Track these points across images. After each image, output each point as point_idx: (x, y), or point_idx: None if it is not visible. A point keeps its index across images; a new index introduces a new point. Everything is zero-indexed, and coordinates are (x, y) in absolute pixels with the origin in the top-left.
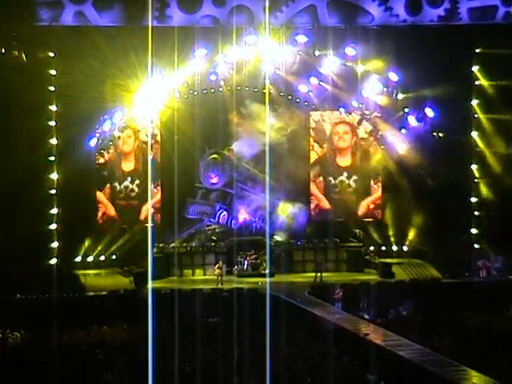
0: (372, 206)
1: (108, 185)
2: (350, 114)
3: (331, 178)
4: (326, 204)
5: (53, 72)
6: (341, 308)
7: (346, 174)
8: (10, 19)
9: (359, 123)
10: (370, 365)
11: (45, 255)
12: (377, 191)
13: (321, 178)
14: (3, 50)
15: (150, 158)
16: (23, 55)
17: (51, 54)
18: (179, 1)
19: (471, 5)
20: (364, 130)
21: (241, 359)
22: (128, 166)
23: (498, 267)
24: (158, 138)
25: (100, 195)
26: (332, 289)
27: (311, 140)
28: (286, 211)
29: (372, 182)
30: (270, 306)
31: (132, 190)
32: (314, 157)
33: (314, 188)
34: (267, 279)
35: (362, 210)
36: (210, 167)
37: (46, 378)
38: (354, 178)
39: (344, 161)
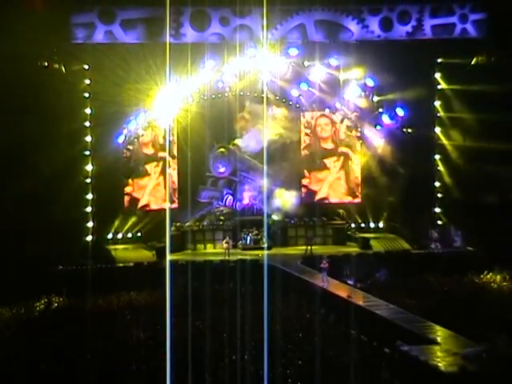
0: (353, 189)
1: (134, 174)
2: (333, 113)
3: (318, 160)
4: (314, 187)
5: (87, 81)
6: (327, 275)
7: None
8: (51, 38)
9: (341, 121)
10: (352, 322)
11: (82, 233)
12: (357, 178)
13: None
14: (46, 64)
15: (167, 154)
16: (62, 68)
17: (86, 67)
18: (191, 21)
19: (434, 22)
20: (346, 126)
21: (243, 318)
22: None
23: (457, 240)
24: (175, 136)
25: (127, 183)
26: (320, 259)
27: (302, 134)
28: (282, 195)
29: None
30: (268, 274)
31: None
32: (303, 144)
33: (305, 172)
34: (266, 252)
35: (344, 191)
36: (217, 159)
37: (84, 334)
38: (337, 162)
39: (327, 146)
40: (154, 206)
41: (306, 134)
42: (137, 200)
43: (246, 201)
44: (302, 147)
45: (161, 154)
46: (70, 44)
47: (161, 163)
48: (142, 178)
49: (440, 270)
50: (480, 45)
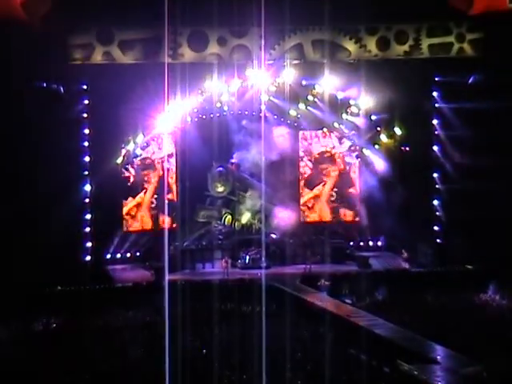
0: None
1: (132, 193)
2: (332, 132)
3: (316, 179)
4: (313, 205)
5: (86, 102)
6: (327, 294)
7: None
8: (49, 59)
9: (340, 140)
10: (351, 341)
11: (80, 253)
12: (355, 196)
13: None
14: (44, 84)
15: (166, 172)
16: (61, 88)
17: (84, 87)
18: (189, 42)
19: (431, 41)
20: (344, 145)
21: (242, 337)
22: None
23: (455, 257)
24: (173, 155)
25: (125, 203)
26: (319, 278)
27: (300, 153)
28: (280, 214)
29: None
30: (266, 293)
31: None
32: (302, 162)
33: (303, 193)
34: (265, 271)
35: (342, 212)
36: (216, 178)
37: (83, 353)
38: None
39: (325, 164)
40: (152, 227)
41: (305, 153)
42: (135, 220)
43: (244, 220)
44: (300, 166)
45: (159, 174)
46: (69, 65)
47: (159, 183)
48: (140, 198)
49: (439, 288)
50: (477, 63)
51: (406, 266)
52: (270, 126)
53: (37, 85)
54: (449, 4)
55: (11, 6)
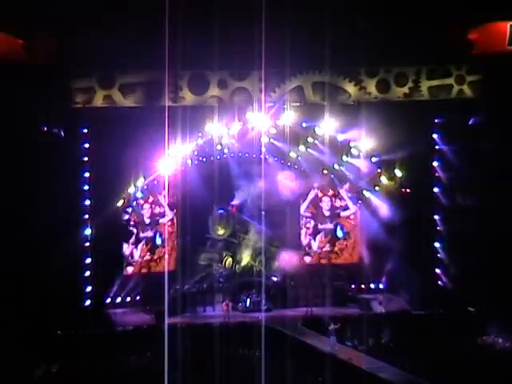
0: (353, 250)
1: (133, 237)
2: (332, 174)
3: (317, 221)
4: (314, 247)
5: (86, 145)
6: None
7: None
8: (50, 102)
9: (340, 182)
10: None
11: (80, 298)
12: (357, 238)
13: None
14: (45, 128)
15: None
16: (62, 132)
17: (85, 131)
18: (190, 85)
19: (430, 84)
20: (344, 187)
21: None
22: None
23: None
24: (174, 198)
25: (126, 247)
26: (323, 320)
27: (301, 195)
28: (281, 257)
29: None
30: (268, 337)
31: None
32: (303, 205)
33: (304, 237)
34: (263, 314)
35: (344, 255)
36: (216, 221)
37: None
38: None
39: (326, 206)
40: (152, 270)
41: (306, 196)
42: (135, 263)
43: (245, 262)
44: (301, 209)
45: (160, 217)
46: (70, 108)
47: (160, 226)
48: (141, 242)
49: (441, 330)
50: (477, 105)
51: (382, 310)
52: (271, 168)
53: (38, 128)
54: (448, 47)
55: (13, 49)
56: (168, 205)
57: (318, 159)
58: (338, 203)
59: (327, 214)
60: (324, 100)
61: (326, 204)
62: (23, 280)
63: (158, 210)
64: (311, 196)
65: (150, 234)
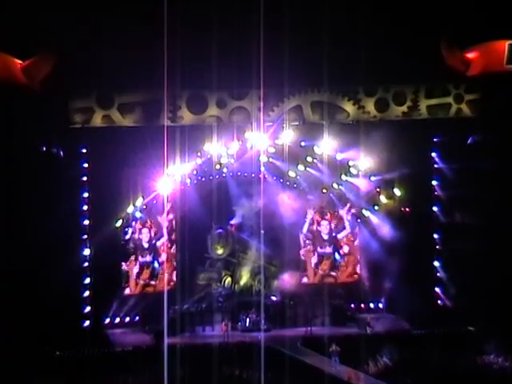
0: (353, 269)
1: (132, 257)
2: (331, 194)
3: (317, 240)
4: (314, 266)
5: (85, 165)
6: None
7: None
8: (49, 122)
9: (339, 201)
10: None
11: (79, 318)
12: (357, 258)
13: (309, 247)
14: (44, 148)
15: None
16: (61, 152)
17: (84, 150)
18: (188, 104)
19: (429, 103)
20: (344, 206)
21: None
22: (148, 242)
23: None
24: (173, 218)
25: (125, 266)
26: (320, 340)
27: (301, 215)
28: (281, 276)
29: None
30: (267, 357)
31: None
32: (303, 224)
33: (303, 257)
34: (263, 333)
35: (342, 275)
36: (215, 240)
37: None
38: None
39: (326, 225)
40: (151, 289)
41: (305, 215)
42: (134, 283)
43: (244, 281)
44: (302, 228)
45: (159, 239)
46: (69, 128)
47: (159, 245)
48: (140, 263)
49: (441, 350)
50: (475, 124)
51: (371, 330)
52: (270, 187)
53: (37, 148)
54: (447, 66)
55: (12, 70)
56: (167, 225)
57: (317, 178)
58: (334, 225)
59: (326, 237)
60: (323, 119)
61: (324, 227)
62: (22, 300)
63: (156, 232)
64: (310, 216)
65: (148, 258)
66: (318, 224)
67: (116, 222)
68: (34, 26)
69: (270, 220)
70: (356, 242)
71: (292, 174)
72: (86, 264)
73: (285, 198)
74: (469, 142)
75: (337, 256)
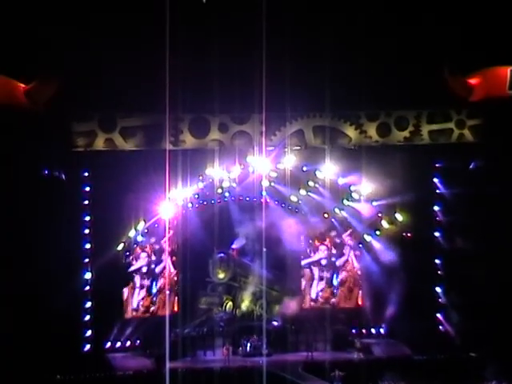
0: (354, 294)
1: (133, 281)
2: (333, 219)
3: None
4: (315, 291)
5: (87, 188)
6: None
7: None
8: (51, 146)
9: (341, 227)
10: None
11: (80, 342)
12: (357, 282)
13: (310, 272)
14: (46, 171)
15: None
16: (63, 175)
17: (86, 174)
18: (190, 128)
19: (431, 128)
20: (345, 232)
21: None
22: (149, 266)
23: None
24: (174, 242)
25: (126, 290)
26: (321, 365)
27: (302, 240)
28: (282, 301)
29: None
30: (269, 382)
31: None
32: (304, 249)
33: (304, 282)
34: (264, 358)
35: (343, 301)
36: (217, 264)
37: None
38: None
39: (326, 250)
40: (152, 314)
41: (306, 240)
42: (135, 307)
43: (245, 306)
44: (303, 253)
45: (158, 264)
46: (71, 152)
47: (160, 269)
48: (140, 287)
49: (443, 376)
50: (478, 149)
51: (360, 356)
52: (272, 212)
53: (39, 171)
54: (449, 91)
55: (14, 93)
56: (168, 249)
57: (319, 203)
58: (335, 250)
59: (324, 262)
60: (324, 144)
61: (322, 253)
62: (22, 323)
63: (157, 256)
64: (311, 241)
65: (149, 282)
66: (319, 249)
67: (117, 245)
68: (37, 49)
69: (271, 244)
70: (357, 267)
71: (294, 198)
72: (87, 288)
73: (287, 222)
74: (471, 167)
75: (338, 281)
